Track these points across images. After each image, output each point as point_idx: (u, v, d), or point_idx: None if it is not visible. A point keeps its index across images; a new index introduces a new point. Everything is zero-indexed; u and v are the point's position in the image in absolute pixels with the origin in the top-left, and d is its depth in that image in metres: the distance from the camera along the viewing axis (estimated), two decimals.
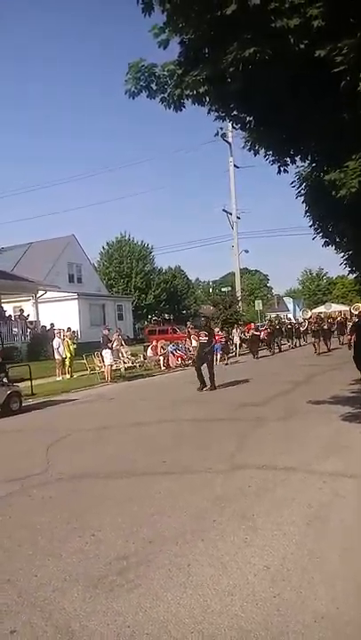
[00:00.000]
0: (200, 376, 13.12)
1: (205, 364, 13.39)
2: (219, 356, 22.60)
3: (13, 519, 4.76)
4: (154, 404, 11.92)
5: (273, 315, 50.31)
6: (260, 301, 43.65)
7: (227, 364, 21.53)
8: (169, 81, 5.58)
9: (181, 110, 5.74)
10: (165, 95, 5.67)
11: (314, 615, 3.00)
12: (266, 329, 27.68)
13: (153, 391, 14.84)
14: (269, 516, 4.51)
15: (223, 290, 46.94)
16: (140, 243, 52.63)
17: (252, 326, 26.32)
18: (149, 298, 50.36)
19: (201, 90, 5.21)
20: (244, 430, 8.08)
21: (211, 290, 68.58)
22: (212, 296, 47.36)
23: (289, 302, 70.78)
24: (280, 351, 27.09)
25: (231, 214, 39.07)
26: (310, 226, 7.95)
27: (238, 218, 39.48)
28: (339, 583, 3.36)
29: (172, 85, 5.48)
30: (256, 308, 42.78)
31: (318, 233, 8.01)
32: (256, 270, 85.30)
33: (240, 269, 41.58)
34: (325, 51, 4.07)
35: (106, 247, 52.66)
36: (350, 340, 12.59)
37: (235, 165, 38.17)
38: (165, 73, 5.51)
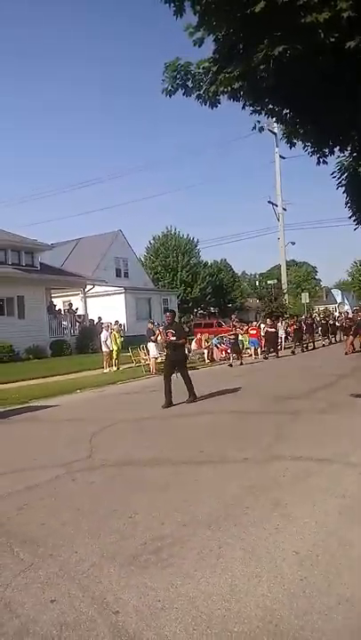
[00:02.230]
0: (168, 390, 10.54)
1: (180, 373, 11.00)
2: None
3: (58, 501, 5.05)
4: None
5: (322, 307, 49.45)
6: (307, 294, 42.91)
7: (240, 364, 19.67)
8: (204, 78, 5.68)
9: (217, 106, 5.83)
10: (201, 92, 5.77)
11: (338, 598, 3.10)
12: (293, 324, 25.49)
13: (195, 384, 14.99)
14: (302, 505, 4.60)
15: (269, 283, 46.46)
16: (185, 236, 52.85)
17: (268, 322, 23.11)
18: (195, 291, 50.50)
19: (235, 86, 5.28)
20: (282, 422, 8.14)
21: (257, 283, 67.93)
22: (257, 289, 47.00)
23: (337, 295, 69.21)
24: (307, 349, 24.81)
25: (277, 206, 38.67)
26: (350, 217, 7.88)
27: (284, 209, 39.08)
28: None
29: (208, 82, 5.57)
30: (302, 301, 42.12)
31: (357, 223, 7.93)
32: (304, 262, 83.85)
33: (287, 262, 41.11)
34: (356, 41, 4.07)
35: (152, 241, 53.19)
36: None
37: (280, 156, 37.67)
38: (200, 70, 5.62)
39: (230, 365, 19.43)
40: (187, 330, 13.57)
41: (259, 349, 22.17)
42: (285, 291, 36.64)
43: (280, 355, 22.53)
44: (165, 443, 7.25)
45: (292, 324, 25.57)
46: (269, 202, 39.14)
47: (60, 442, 7.65)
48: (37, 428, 9.08)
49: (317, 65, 4.49)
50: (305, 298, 40.66)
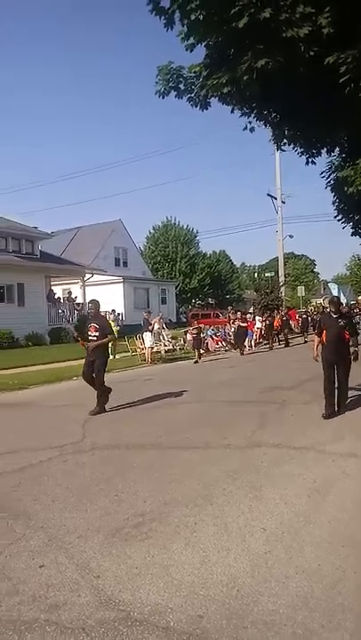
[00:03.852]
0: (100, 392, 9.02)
1: (95, 375, 8.99)
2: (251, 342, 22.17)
3: (50, 480, 5.41)
4: (187, 385, 12.45)
5: (319, 301, 49.71)
6: (303, 287, 43.24)
7: (241, 353, 20.09)
8: (195, 81, 5.95)
9: (207, 109, 6.13)
10: (192, 95, 6.05)
11: (296, 569, 3.47)
12: (266, 319, 23.71)
13: (188, 373, 15.38)
14: (275, 488, 4.97)
15: (267, 275, 46.72)
16: (185, 227, 53.02)
17: (239, 316, 22.00)
18: (193, 282, 50.80)
19: (225, 90, 5.56)
20: (267, 412, 8.51)
21: (256, 275, 68.23)
22: (256, 281, 47.20)
23: (334, 288, 69.45)
24: (287, 345, 23.65)
25: (276, 198, 38.76)
26: (335, 217, 8.19)
27: (283, 202, 39.14)
28: (325, 545, 3.80)
29: (198, 86, 5.85)
30: (298, 294, 42.44)
31: (343, 222, 8.24)
32: (302, 255, 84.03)
33: (285, 254, 41.32)
34: (334, 57, 4.37)
35: (152, 231, 53.36)
36: None
37: (281, 149, 37.68)
38: (192, 74, 5.89)
39: (242, 353, 20.15)
40: (117, 327, 10.00)
41: (252, 341, 22.52)
42: (282, 283, 36.89)
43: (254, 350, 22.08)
44: (154, 429, 7.61)
45: (264, 320, 23.77)
46: (268, 195, 39.28)
47: (54, 426, 8.02)
48: (33, 413, 9.43)
49: (298, 76, 4.78)
50: (301, 291, 40.95)
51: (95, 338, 8.89)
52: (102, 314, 21.42)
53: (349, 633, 2.78)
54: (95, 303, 9.34)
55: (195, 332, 19.08)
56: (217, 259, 58.36)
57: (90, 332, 8.95)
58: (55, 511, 4.53)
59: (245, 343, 21.89)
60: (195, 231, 53.32)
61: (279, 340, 24.34)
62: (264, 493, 4.86)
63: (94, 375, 8.95)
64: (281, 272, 38.84)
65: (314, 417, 8.02)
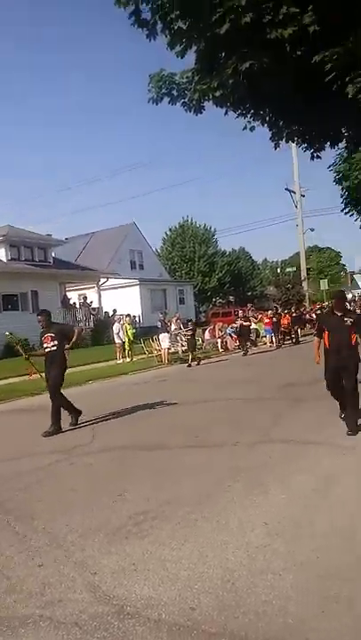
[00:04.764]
0: (66, 406, 8.19)
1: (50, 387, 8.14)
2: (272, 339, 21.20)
3: (57, 481, 5.50)
4: (202, 385, 12.49)
5: (350, 294, 48.94)
6: (326, 281, 42.67)
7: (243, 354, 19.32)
8: (188, 87, 5.97)
9: (202, 113, 6.12)
10: (186, 100, 6.06)
11: (294, 562, 3.46)
12: (271, 316, 22.00)
13: (205, 373, 15.38)
14: (281, 484, 4.95)
15: (288, 270, 46.27)
16: (202, 226, 52.91)
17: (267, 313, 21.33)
18: (213, 281, 50.63)
19: (217, 94, 5.57)
20: (282, 409, 8.46)
21: (279, 270, 67.62)
22: (279, 276, 46.70)
23: (360, 280, 68.33)
24: (297, 342, 22.49)
25: (295, 192, 38.45)
26: (341, 210, 8.12)
27: (303, 196, 38.83)
28: (326, 539, 3.78)
29: (191, 91, 5.86)
30: (321, 288, 41.94)
31: (350, 215, 8.14)
32: (327, 247, 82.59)
33: (308, 248, 40.89)
34: (320, 56, 4.34)
35: (168, 232, 53.40)
36: None
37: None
38: (184, 80, 5.90)
39: (244, 354, 19.34)
40: (79, 329, 9.08)
41: (273, 337, 22.04)
42: (304, 278, 36.51)
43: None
44: (164, 430, 7.64)
45: (271, 317, 22.04)
46: (286, 189, 38.98)
47: (65, 429, 8.07)
48: (46, 418, 9.54)
49: (287, 76, 4.77)
50: (324, 284, 40.49)
51: (55, 347, 8.02)
52: (118, 317, 21.73)
53: (340, 622, 2.76)
54: (45, 314, 8.41)
55: (189, 333, 17.85)
56: (237, 256, 58.04)
57: (45, 344, 8.10)
58: (58, 511, 4.60)
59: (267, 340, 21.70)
60: (212, 230, 53.17)
61: (292, 338, 23.19)
62: (269, 489, 4.83)
63: (48, 386, 8.17)
64: (303, 266, 38.44)
65: (326, 412, 7.93)
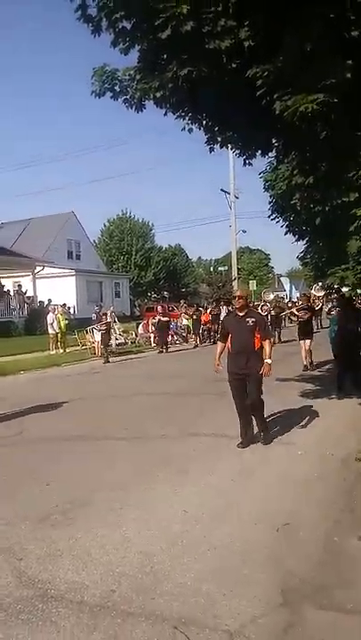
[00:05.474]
0: None
1: None
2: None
3: None
4: (134, 378, 12.68)
5: (272, 295, 50.63)
6: (254, 281, 44.05)
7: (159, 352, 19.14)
8: (130, 84, 6.09)
9: (142, 111, 6.26)
10: (127, 97, 6.18)
11: (209, 546, 3.74)
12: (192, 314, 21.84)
13: (137, 366, 15.58)
14: (202, 473, 5.25)
15: (220, 269, 47.26)
16: (140, 220, 52.90)
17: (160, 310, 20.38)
18: (149, 275, 50.79)
19: (157, 95, 5.73)
20: (207, 403, 8.82)
21: (212, 268, 68.81)
22: (211, 275, 47.64)
23: (286, 282, 70.92)
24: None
25: (229, 194, 39.28)
26: (268, 216, 8.54)
27: (236, 197, 39.68)
28: (240, 524, 4.10)
29: (133, 89, 5.99)
30: (250, 288, 43.22)
31: (276, 222, 8.58)
32: (257, 249, 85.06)
33: (240, 249, 41.94)
34: (253, 70, 4.62)
35: (107, 224, 52.93)
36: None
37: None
38: (127, 77, 6.02)
39: (160, 351, 19.00)
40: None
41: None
42: (234, 278, 37.47)
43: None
44: (94, 421, 7.78)
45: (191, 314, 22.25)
46: (222, 190, 39.77)
47: None
48: None
49: (224, 86, 5.03)
50: (252, 285, 41.69)
51: None
52: (52, 307, 21.46)
53: (247, 599, 3.06)
54: None
55: (103, 327, 16.90)
56: (172, 252, 58.53)
57: None
58: None
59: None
60: (150, 224, 53.32)
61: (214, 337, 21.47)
62: (191, 479, 5.12)
63: None
64: (234, 266, 39.42)
65: None
